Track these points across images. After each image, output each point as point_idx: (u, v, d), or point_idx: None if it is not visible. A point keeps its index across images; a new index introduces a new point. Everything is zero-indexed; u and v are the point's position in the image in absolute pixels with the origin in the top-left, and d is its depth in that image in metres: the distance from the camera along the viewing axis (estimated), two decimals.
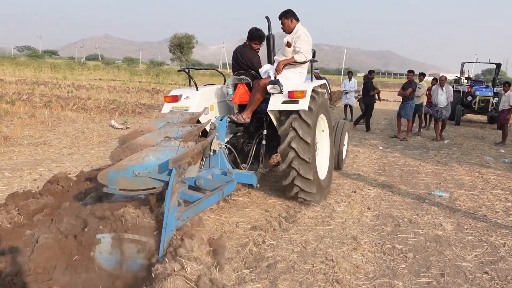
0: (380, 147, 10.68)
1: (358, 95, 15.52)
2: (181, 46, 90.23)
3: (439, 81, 12.29)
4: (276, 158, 7.36)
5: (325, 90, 6.13)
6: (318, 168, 5.51)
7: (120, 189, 3.43)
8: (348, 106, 16.03)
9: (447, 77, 12.53)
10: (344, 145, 7.92)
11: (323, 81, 6.18)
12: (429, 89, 14.30)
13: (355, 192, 6.43)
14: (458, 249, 4.49)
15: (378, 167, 8.40)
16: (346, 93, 15.66)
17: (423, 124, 15.32)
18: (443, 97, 12.04)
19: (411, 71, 12.41)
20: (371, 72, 14.06)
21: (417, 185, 7.09)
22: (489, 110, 16.81)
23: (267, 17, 6.05)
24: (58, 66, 47.54)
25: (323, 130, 6.12)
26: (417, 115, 13.39)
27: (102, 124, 11.68)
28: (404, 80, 14.14)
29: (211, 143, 4.83)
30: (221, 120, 5.39)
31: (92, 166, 7.05)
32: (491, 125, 17.43)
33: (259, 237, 4.48)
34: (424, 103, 13.62)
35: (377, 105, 19.55)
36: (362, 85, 13.84)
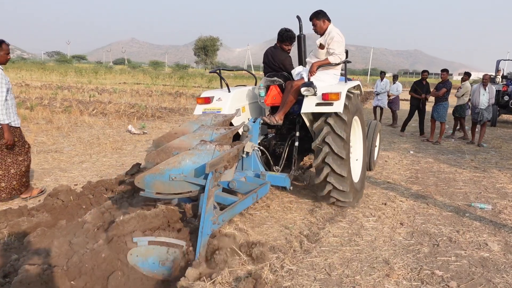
0: (411, 152, 9.97)
1: (391, 96, 14.80)
2: (206, 48, 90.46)
3: (482, 80, 11.32)
4: (308, 160, 7.30)
5: (359, 92, 5.99)
6: (352, 169, 5.37)
7: (157, 193, 3.46)
8: (378, 107, 15.31)
9: (476, 76, 11.64)
10: (376, 146, 7.82)
11: (357, 82, 6.01)
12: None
13: (385, 204, 5.80)
14: (509, 276, 3.84)
15: (410, 174, 7.73)
16: (377, 94, 14.97)
17: (458, 127, 14.49)
18: (485, 98, 11.09)
19: (445, 70, 11.62)
20: (423, 72, 13.09)
21: (454, 195, 6.41)
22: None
23: (298, 17, 5.99)
24: (84, 70, 48.08)
25: (357, 132, 5.99)
26: (454, 117, 12.64)
27: (119, 129, 11.34)
28: (432, 80, 13.33)
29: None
30: (254, 122, 5.37)
31: (101, 175, 6.65)
32: None
33: (277, 261, 3.92)
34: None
35: (404, 105, 18.80)
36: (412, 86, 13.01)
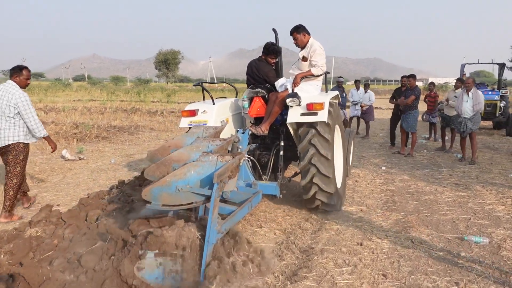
0: (383, 167, 8.94)
1: (363, 106, 13.64)
2: (167, 62, 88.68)
3: (465, 84, 9.93)
4: (292, 169, 7.43)
5: (337, 101, 6.22)
6: (336, 174, 5.52)
7: (163, 205, 3.49)
8: (355, 117, 14.36)
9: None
10: (351, 152, 8.03)
11: (335, 93, 6.26)
12: (427, 96, 12.69)
13: (361, 244, 4.64)
14: None
15: (385, 197, 6.64)
16: (355, 104, 13.84)
17: (428, 136, 13.67)
18: (468, 105, 9.51)
19: (412, 76, 10.72)
20: (402, 77, 11.73)
21: (441, 225, 5.34)
22: (497, 115, 15.17)
23: (274, 29, 6.31)
24: (37, 88, 45.56)
25: (337, 140, 6.08)
26: (449, 128, 11.71)
27: (53, 154, 9.84)
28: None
29: None
30: (243, 133, 5.54)
31: None
32: (498, 131, 15.78)
33: None
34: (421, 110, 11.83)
35: (377, 114, 17.95)
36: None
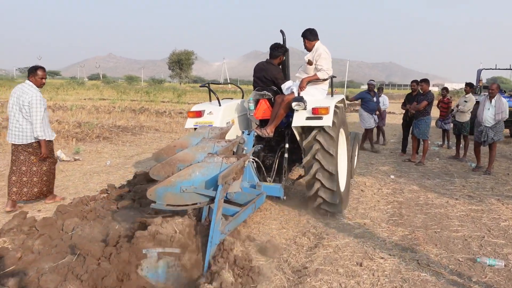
0: (392, 176, 8.45)
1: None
2: (180, 62, 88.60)
3: (488, 91, 9.20)
4: (297, 172, 7.37)
5: (343, 105, 6.23)
6: (339, 180, 5.51)
7: (167, 205, 3.52)
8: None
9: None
10: (355, 155, 7.92)
11: (342, 96, 6.23)
12: (440, 101, 12.12)
13: (361, 265, 4.19)
14: None
15: (392, 210, 6.17)
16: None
17: (441, 143, 13.10)
18: (490, 113, 8.83)
19: (424, 81, 10.16)
20: (412, 82, 11.32)
21: (451, 244, 4.87)
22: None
23: (281, 31, 6.39)
24: (50, 86, 45.70)
25: (342, 144, 6.06)
26: (461, 135, 11.04)
27: None
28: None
29: None
30: (248, 134, 5.52)
31: None
32: None
33: None
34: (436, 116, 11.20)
35: (389, 119, 17.36)
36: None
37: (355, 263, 4.24)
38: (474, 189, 7.57)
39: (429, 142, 10.24)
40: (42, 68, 5.77)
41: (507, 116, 8.95)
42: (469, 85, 11.11)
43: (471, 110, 10.82)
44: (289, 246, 4.63)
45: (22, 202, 5.95)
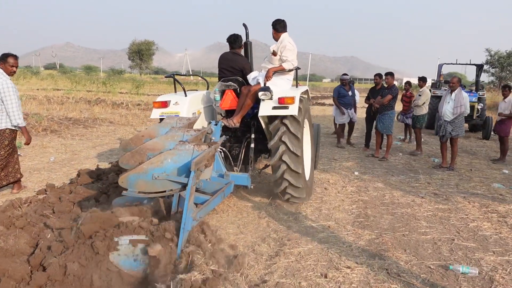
0: (356, 173, 8.13)
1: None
2: (141, 53, 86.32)
3: (449, 84, 8.96)
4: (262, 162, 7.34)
5: (307, 96, 6.31)
6: (305, 168, 5.62)
7: (139, 192, 3.52)
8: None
9: (451, 80, 9.02)
10: (317, 147, 7.84)
11: (305, 88, 6.29)
12: (403, 96, 11.93)
13: (326, 276, 3.77)
14: None
15: (357, 210, 5.81)
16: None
17: (403, 137, 13.00)
18: (449, 107, 8.56)
19: (389, 74, 9.89)
20: (375, 76, 10.97)
21: (421, 248, 4.54)
22: (474, 117, 14.61)
23: (244, 24, 6.46)
24: None
25: (306, 134, 6.08)
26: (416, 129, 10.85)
27: None
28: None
29: None
30: (216, 124, 5.52)
31: None
32: (474, 134, 15.25)
33: None
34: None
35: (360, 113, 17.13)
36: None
37: (319, 274, 3.81)
38: (439, 186, 7.35)
39: (392, 137, 10.00)
40: (14, 56, 5.69)
41: (468, 111, 8.78)
42: (422, 79, 11.08)
43: (426, 103, 10.65)
44: (247, 255, 4.15)
45: None
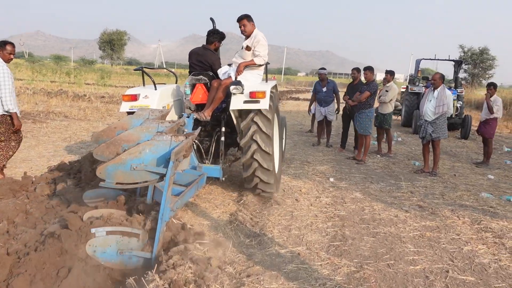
0: (331, 179, 7.28)
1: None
2: (112, 43, 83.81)
3: (431, 81, 8.34)
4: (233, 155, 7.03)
5: (276, 91, 6.31)
6: (275, 168, 5.73)
7: (117, 183, 3.47)
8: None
9: (432, 76, 8.13)
10: (284, 138, 7.78)
11: (275, 82, 6.36)
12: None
13: None
14: None
15: (333, 230, 4.93)
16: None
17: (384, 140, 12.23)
18: (430, 105, 7.82)
19: (368, 68, 9.03)
20: (352, 70, 10.03)
21: (410, 285, 3.69)
22: (452, 116, 14.00)
23: (211, 19, 6.67)
24: None
25: (275, 128, 6.12)
26: (383, 129, 9.97)
27: None
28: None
29: None
30: (188, 117, 5.42)
31: None
32: (452, 133, 14.67)
33: None
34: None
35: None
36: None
37: None
38: (423, 195, 6.57)
39: (370, 138, 9.18)
40: (12, 44, 5.88)
41: (451, 111, 8.03)
42: (389, 72, 9.93)
43: (393, 100, 9.79)
44: None
45: None
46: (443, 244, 4.67)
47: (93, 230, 3.46)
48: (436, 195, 6.67)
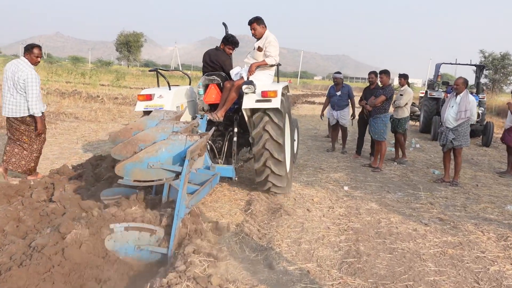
0: (346, 188, 6.91)
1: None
2: (128, 44, 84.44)
3: (453, 87, 7.83)
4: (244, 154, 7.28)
5: (287, 91, 6.47)
6: (286, 158, 5.76)
7: (134, 180, 3.57)
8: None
9: (455, 81, 7.64)
10: (295, 140, 7.75)
11: (286, 83, 6.38)
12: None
13: None
14: None
15: (346, 245, 4.56)
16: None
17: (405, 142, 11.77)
18: (452, 112, 7.41)
19: (384, 72, 8.60)
20: (369, 74, 9.52)
21: None
22: (474, 122, 13.47)
23: (224, 23, 6.78)
24: None
25: (286, 128, 6.12)
26: (398, 134, 9.48)
27: None
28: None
29: None
30: (201, 118, 5.51)
31: None
32: (473, 140, 14.10)
33: None
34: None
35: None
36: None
37: None
38: (444, 207, 6.16)
39: (386, 144, 8.77)
40: (39, 47, 5.92)
41: (474, 118, 7.63)
42: (403, 76, 9.55)
43: (408, 104, 9.33)
44: None
45: None
46: (467, 263, 4.28)
47: (111, 226, 3.57)
48: (458, 207, 6.26)
